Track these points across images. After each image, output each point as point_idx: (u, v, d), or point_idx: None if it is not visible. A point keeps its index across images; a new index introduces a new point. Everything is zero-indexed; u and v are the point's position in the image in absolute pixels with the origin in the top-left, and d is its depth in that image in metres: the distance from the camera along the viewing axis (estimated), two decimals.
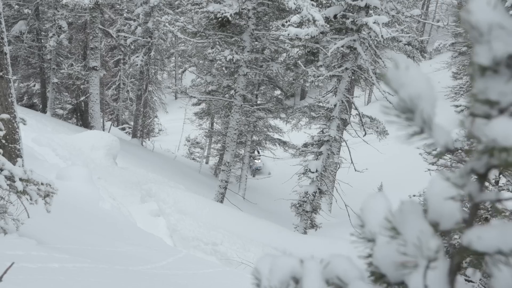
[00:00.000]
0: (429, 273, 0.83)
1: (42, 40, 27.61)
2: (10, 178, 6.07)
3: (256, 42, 17.88)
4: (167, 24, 17.79)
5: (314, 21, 15.29)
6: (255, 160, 31.42)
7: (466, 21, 0.75)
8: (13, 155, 9.42)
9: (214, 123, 31.58)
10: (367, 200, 0.98)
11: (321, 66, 17.74)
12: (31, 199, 6.27)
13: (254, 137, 26.61)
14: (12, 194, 6.34)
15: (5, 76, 9.29)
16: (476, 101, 0.78)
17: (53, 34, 26.06)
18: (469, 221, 0.82)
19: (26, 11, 26.77)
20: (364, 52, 16.13)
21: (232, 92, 18.65)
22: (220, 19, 16.12)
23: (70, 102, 29.78)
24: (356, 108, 17.84)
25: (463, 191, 0.81)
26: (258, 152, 29.32)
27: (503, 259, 0.77)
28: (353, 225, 1.12)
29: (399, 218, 0.87)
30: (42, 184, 6.32)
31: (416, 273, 0.85)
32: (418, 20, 34.23)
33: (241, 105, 17.50)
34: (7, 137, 9.54)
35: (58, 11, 25.48)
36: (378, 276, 0.93)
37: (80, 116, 30.00)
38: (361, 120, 18.03)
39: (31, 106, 29.23)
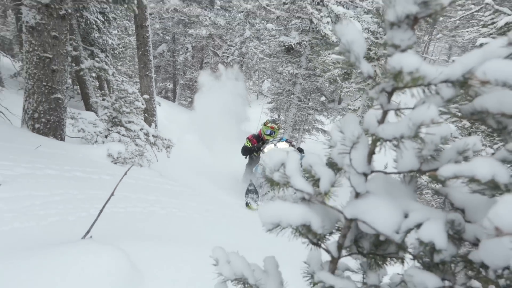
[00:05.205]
0: (354, 153, 0.86)
1: (175, 56, 28.44)
2: (146, 134, 6.47)
3: (310, 63, 17.74)
4: (252, 48, 17.93)
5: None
6: None
7: None
8: (151, 124, 9.88)
9: (280, 115, 31.52)
10: (343, 119, 0.94)
11: (352, 82, 17.38)
12: (158, 148, 6.65)
13: (305, 126, 26.44)
14: (147, 145, 6.73)
15: (150, 74, 9.71)
16: (387, 46, 0.79)
17: (182, 53, 26.79)
18: (381, 121, 0.84)
19: (167, 37, 27.59)
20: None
21: (292, 95, 18.55)
22: (287, 46, 16.13)
23: (190, 96, 30.54)
24: None
25: (377, 101, 0.83)
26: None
27: (397, 143, 0.81)
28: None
29: (343, 124, 0.90)
30: (165, 139, 6.68)
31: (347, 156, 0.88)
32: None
33: (297, 103, 17.48)
34: (148, 112, 10.01)
35: (186, 38, 26.10)
36: (333, 163, 0.97)
37: None
38: None
39: (166, 98, 30.17)
